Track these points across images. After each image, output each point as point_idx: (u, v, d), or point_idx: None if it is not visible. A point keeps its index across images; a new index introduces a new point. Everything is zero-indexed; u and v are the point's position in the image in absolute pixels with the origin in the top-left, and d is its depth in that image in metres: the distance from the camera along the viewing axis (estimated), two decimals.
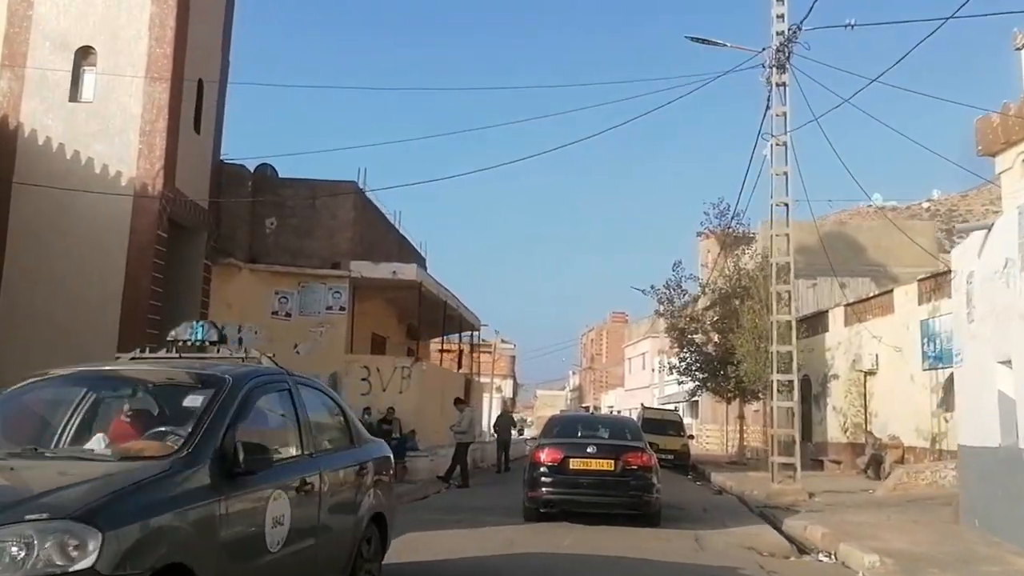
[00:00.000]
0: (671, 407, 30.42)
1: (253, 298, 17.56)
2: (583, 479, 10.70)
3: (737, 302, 24.94)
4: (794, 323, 16.93)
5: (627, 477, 10.64)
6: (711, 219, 26.43)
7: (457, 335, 25.40)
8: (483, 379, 53.74)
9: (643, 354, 58.95)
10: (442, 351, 28.64)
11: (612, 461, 10.74)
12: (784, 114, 16.66)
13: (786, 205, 16.71)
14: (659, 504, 10.97)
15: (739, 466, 25.47)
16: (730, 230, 26.01)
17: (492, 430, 24.97)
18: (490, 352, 77.92)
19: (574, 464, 10.76)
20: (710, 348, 26.55)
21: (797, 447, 16.32)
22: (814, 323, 25.48)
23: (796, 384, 16.78)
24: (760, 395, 24.92)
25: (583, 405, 77.81)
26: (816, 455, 25.39)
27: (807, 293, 29.91)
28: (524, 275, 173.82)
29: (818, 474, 23.24)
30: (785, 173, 16.66)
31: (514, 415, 28.68)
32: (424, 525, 10.16)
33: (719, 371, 25.71)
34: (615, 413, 65.51)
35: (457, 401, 17.35)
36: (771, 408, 17.29)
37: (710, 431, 38.60)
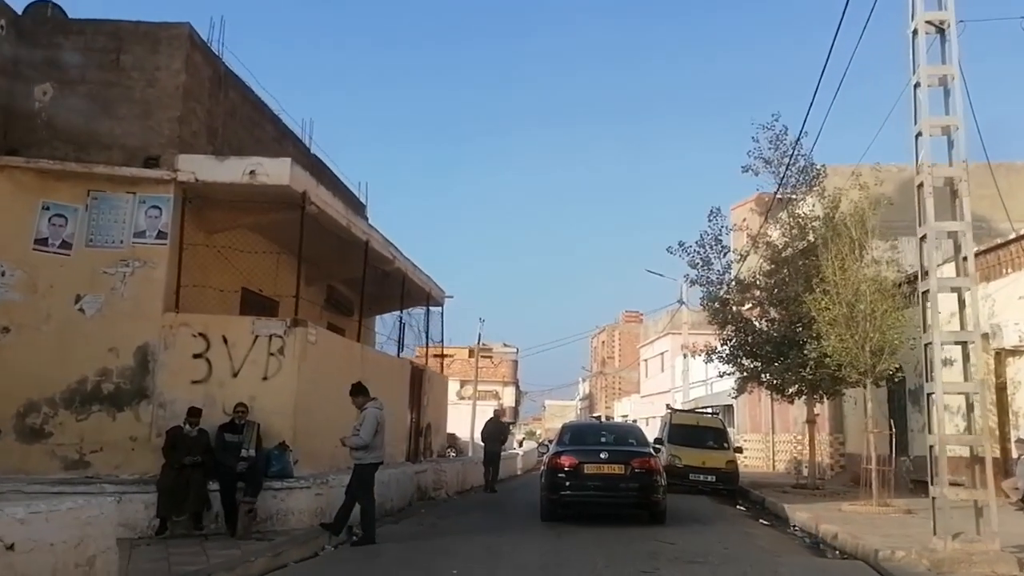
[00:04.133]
0: (708, 411, 22.61)
1: (0, 215, 10.15)
2: (597, 482, 11.85)
3: (809, 249, 17.39)
4: (968, 245, 9.29)
5: (635, 479, 11.79)
6: (762, 148, 18.78)
7: (400, 311, 17.74)
8: (477, 384, 46.34)
9: (662, 354, 51.20)
10: (441, 356, 20.96)
11: (622, 466, 11.90)
12: None
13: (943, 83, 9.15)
14: (665, 504, 12.24)
15: (810, 491, 17.75)
16: (790, 162, 18.35)
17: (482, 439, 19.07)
18: (490, 357, 70.98)
19: (588, 469, 11.87)
20: (763, 324, 18.88)
21: (988, 468, 8.70)
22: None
23: (978, 347, 9.15)
24: (847, 387, 17.27)
25: (594, 415, 70.36)
26: (918, 474, 17.75)
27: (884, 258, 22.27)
28: (531, 280, 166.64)
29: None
30: (940, 26, 9.12)
31: (505, 421, 21.19)
32: None
33: (777, 356, 18.04)
34: (631, 422, 57.99)
35: (355, 392, 9.86)
36: (925, 404, 9.70)
37: (749, 442, 30.81)
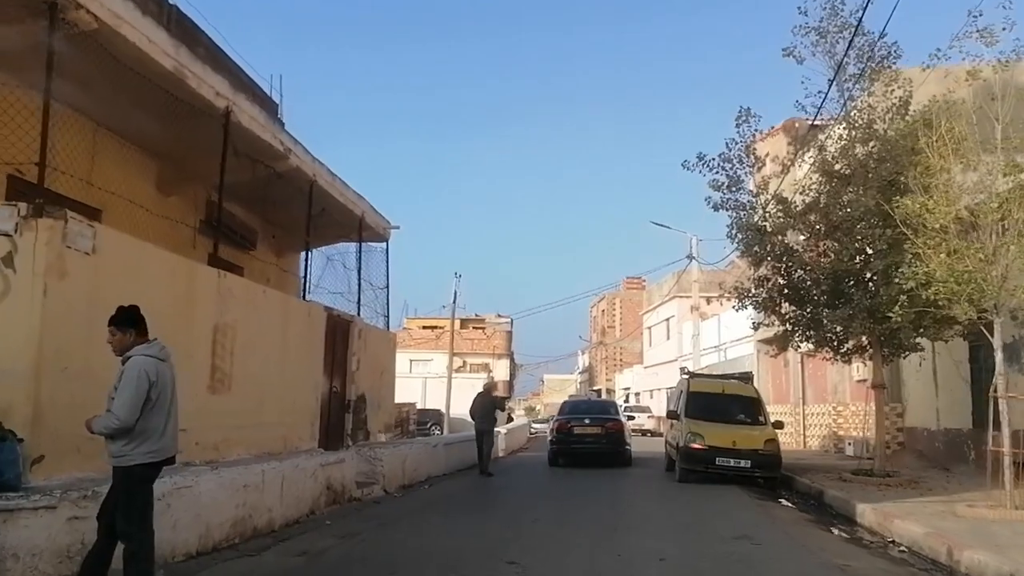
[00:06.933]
0: (734, 378, 17.58)
1: None
2: (585, 437, 17.53)
3: (882, 154, 12.60)
4: None
5: (607, 436, 17.52)
6: (816, 18, 13.86)
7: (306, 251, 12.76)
8: (452, 350, 41.65)
9: (667, 320, 46.54)
10: (387, 315, 16.13)
11: (600, 427, 17.74)
12: None
13: None
14: (629, 452, 17.94)
15: (880, 480, 13.06)
16: (855, 33, 13.39)
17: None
18: (482, 328, 66.34)
19: (578, 429, 17.63)
20: (813, 257, 14.13)
21: None
22: None
23: None
24: (938, 336, 12.61)
25: (593, 388, 66.06)
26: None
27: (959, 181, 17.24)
28: (528, 249, 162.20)
29: None
30: None
31: (498, 395, 17.34)
32: None
33: (835, 299, 13.39)
34: (633, 395, 53.63)
35: (117, 323, 5.04)
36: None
37: (775, 415, 25.98)
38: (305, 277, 11.80)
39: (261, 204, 12.35)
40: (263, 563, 6.91)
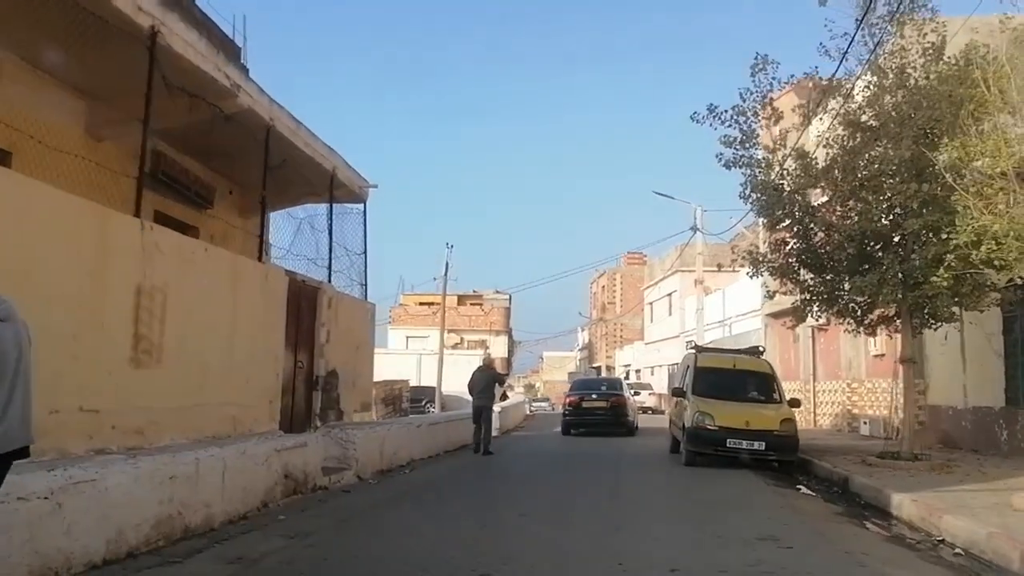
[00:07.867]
0: (743, 352, 16.11)
1: None
2: (594, 410, 20.87)
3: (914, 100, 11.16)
4: None
5: (612, 409, 20.82)
6: None
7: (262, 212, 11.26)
8: (444, 327, 40.35)
9: (669, 295, 45.20)
10: (363, 283, 14.80)
11: (605, 400, 21.09)
12: None
13: None
14: (633, 423, 21.51)
15: (908, 463, 11.77)
16: None
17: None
18: (480, 304, 65.07)
19: (586, 403, 21.06)
20: (836, 218, 12.75)
21: None
22: None
23: None
24: (977, 304, 11.25)
25: (593, 366, 64.96)
26: None
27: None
28: (528, 227, 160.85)
29: None
30: None
31: (498, 370, 16.56)
32: None
33: (861, 263, 12.03)
34: (634, 372, 52.41)
35: None
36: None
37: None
38: (261, 236, 10.39)
39: (217, 157, 10.96)
40: (184, 572, 5.62)
